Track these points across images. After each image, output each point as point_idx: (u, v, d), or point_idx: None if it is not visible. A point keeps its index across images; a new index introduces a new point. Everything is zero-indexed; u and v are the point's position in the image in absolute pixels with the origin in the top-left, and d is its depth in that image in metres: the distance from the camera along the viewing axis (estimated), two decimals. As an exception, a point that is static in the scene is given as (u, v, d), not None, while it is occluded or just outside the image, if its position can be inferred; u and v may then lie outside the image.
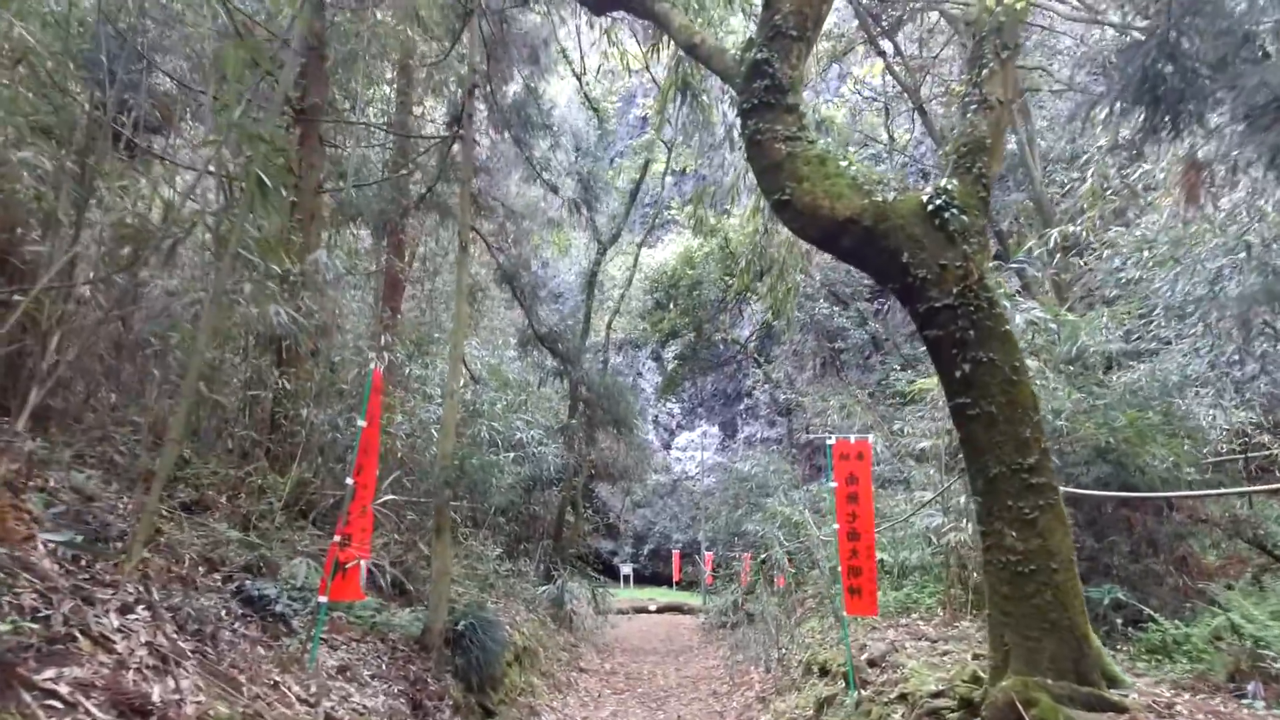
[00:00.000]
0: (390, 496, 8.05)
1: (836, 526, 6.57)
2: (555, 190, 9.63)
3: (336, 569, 4.58)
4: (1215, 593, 7.78)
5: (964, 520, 7.00)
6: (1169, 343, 7.75)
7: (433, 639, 6.64)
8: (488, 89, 7.93)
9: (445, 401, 7.03)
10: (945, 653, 6.21)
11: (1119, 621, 6.31)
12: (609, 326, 13.98)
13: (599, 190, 9.85)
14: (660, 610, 22.80)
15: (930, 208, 3.96)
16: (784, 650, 9.96)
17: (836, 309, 16.36)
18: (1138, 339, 7.73)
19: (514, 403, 9.38)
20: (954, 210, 3.92)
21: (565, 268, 21.52)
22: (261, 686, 3.84)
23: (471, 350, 10.40)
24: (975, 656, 5.70)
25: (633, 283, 16.80)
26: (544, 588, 8.66)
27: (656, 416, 38.03)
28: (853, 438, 6.72)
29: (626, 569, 31.56)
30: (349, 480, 4.64)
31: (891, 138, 17.63)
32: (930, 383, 8.37)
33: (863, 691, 6.26)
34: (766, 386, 33.11)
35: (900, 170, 21.57)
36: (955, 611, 7.55)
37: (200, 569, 5.21)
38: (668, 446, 37.83)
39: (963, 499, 7.06)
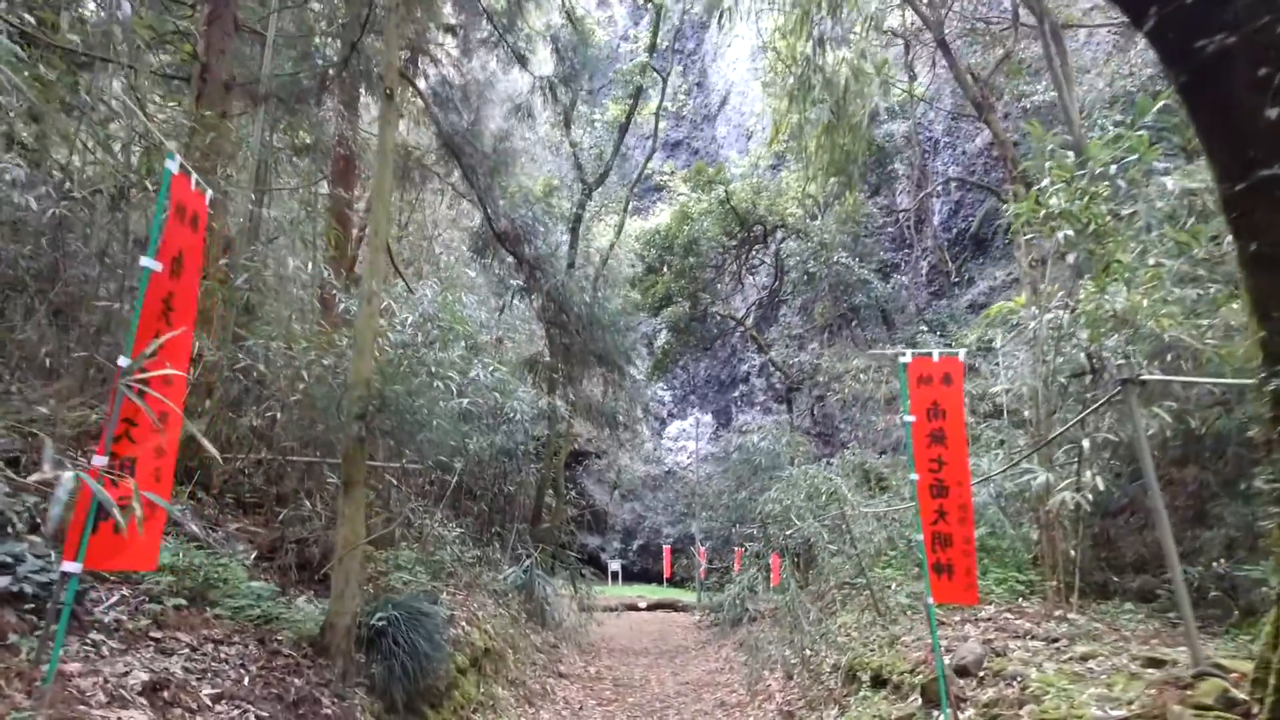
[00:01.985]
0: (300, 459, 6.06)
1: (915, 478, 4.60)
2: (524, 62, 7.59)
3: (96, 516, 2.55)
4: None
5: (1087, 472, 5.04)
6: None
7: (336, 639, 4.61)
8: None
9: (361, 308, 5.00)
10: (1084, 657, 4.25)
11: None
12: (594, 282, 11.97)
13: (581, 68, 7.76)
14: (651, 607, 20.95)
15: None
16: (809, 651, 8.00)
17: (856, 260, 14.43)
18: None
19: (471, 340, 7.34)
20: None
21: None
22: None
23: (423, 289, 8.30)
24: (1154, 663, 3.74)
25: (622, 231, 14.78)
26: (509, 571, 6.66)
27: (646, 405, 36.09)
28: (935, 354, 4.76)
29: (615, 565, 29.69)
30: (122, 360, 2.61)
31: (913, 77, 15.76)
32: (1013, 305, 6.43)
33: (960, 714, 4.30)
34: (764, 370, 31.25)
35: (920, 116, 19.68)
36: (1057, 599, 5.61)
37: (-92, 523, 3.18)
38: (659, 436, 35.86)
39: (1086, 444, 5.11)
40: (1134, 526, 7.32)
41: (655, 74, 13.48)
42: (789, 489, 7.91)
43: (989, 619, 5.92)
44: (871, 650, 6.61)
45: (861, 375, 11.12)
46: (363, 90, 11.48)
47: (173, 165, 2.74)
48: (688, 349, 21.02)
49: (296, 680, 4.22)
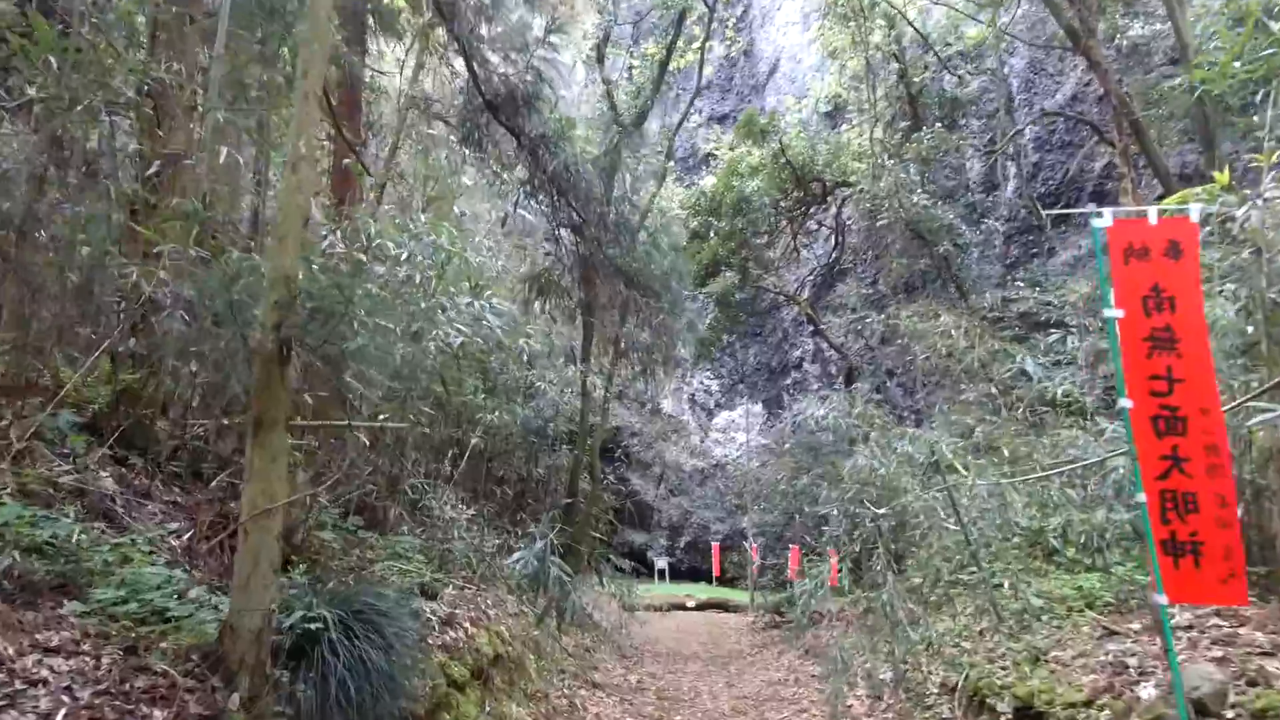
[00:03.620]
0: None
1: (1128, 405, 2.88)
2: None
3: None
4: None
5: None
6: None
7: (239, 647, 3.13)
8: None
9: (284, 179, 3.53)
10: None
11: None
12: (637, 210, 10.27)
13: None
14: (700, 607, 19.41)
15: None
16: (904, 664, 6.27)
17: (940, 202, 12.46)
18: None
19: (475, 280, 5.85)
20: None
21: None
22: None
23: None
24: None
25: (665, 180, 13.11)
26: (516, 555, 5.16)
27: (693, 395, 34.57)
28: (1152, 214, 3.03)
29: (662, 563, 28.29)
30: None
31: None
32: (1211, 187, 4.60)
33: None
34: (818, 356, 29.45)
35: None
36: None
37: None
38: (705, 428, 34.19)
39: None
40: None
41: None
42: (881, 455, 6.23)
43: (1186, 626, 4.13)
44: (1003, 668, 4.88)
45: (953, 332, 9.29)
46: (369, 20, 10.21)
47: None
48: (737, 325, 19.26)
49: (158, 713, 2.75)
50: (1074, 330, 8.92)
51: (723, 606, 19.50)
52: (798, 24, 29.16)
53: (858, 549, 5.64)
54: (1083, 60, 19.52)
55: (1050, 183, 19.14)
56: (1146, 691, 3.34)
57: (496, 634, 6.42)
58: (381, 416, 4.95)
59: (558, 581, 5.27)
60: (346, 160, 6.68)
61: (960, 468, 5.67)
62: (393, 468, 7.78)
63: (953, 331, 9.17)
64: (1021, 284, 11.18)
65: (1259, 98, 5.26)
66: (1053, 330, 10.36)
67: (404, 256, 6.38)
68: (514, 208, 6.60)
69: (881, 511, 5.48)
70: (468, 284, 6.41)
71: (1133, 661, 3.76)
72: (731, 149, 18.62)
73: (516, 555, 5.31)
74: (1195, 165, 14.18)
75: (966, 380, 10.50)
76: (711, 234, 16.01)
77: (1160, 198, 13.72)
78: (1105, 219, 3.03)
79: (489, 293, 5.66)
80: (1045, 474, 5.87)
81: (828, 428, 10.78)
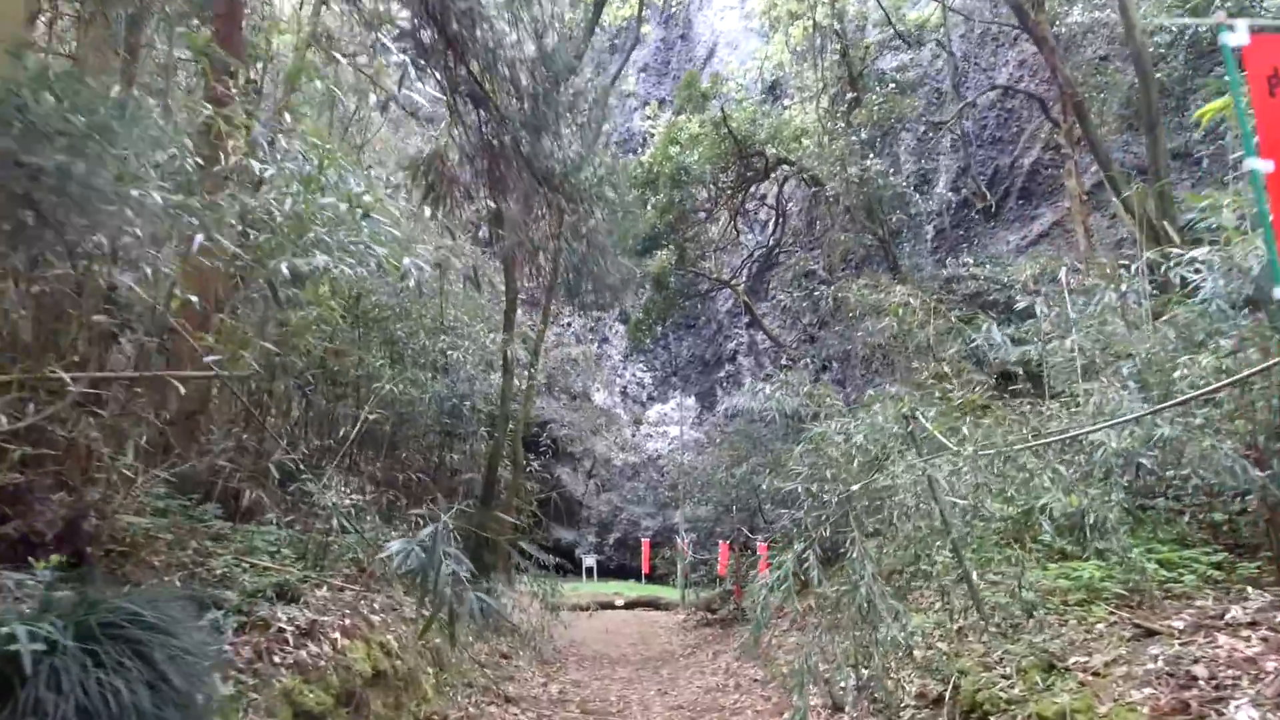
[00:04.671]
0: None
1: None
2: None
3: None
4: None
5: None
6: None
7: None
8: None
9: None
10: None
11: None
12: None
13: None
14: (629, 605, 18.57)
15: None
16: (868, 669, 5.35)
17: (890, 170, 11.79)
18: None
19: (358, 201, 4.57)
20: None
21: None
22: None
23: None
24: None
25: (603, 127, 11.97)
26: (395, 545, 4.00)
27: (625, 387, 33.67)
28: (1299, 26, 2.10)
29: (590, 560, 27.29)
30: None
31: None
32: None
33: None
34: (752, 349, 29.10)
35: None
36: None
37: None
38: (638, 422, 33.32)
39: None
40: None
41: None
42: (845, 428, 5.31)
43: (1248, 622, 3.29)
44: (1005, 676, 3.97)
45: (911, 301, 8.53)
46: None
47: None
48: (673, 309, 18.40)
49: None
50: (1037, 302, 8.32)
51: (653, 604, 18.70)
52: (735, 8, 28.59)
53: (828, 535, 4.66)
54: (1014, 54, 19.51)
55: (981, 177, 18.97)
56: (1244, 713, 2.45)
57: (380, 645, 5.16)
58: (210, 358, 3.65)
59: (452, 578, 4.09)
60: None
61: (943, 439, 4.79)
62: (261, 442, 6.39)
63: (911, 300, 8.41)
64: (971, 261, 10.59)
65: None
66: (996, 309, 9.76)
67: (269, 173, 5.05)
68: (399, 85, 5.17)
69: (854, 488, 4.53)
70: (347, 201, 5.10)
71: (1199, 670, 2.89)
72: (667, 126, 17.69)
73: (395, 545, 4.10)
74: (1138, 156, 14.06)
75: (918, 359, 9.80)
76: (649, 207, 14.98)
77: (1099, 184, 13.55)
78: (1240, 34, 2.09)
79: (363, 193, 4.39)
80: (1022, 447, 5.07)
81: (773, 409, 9.90)
